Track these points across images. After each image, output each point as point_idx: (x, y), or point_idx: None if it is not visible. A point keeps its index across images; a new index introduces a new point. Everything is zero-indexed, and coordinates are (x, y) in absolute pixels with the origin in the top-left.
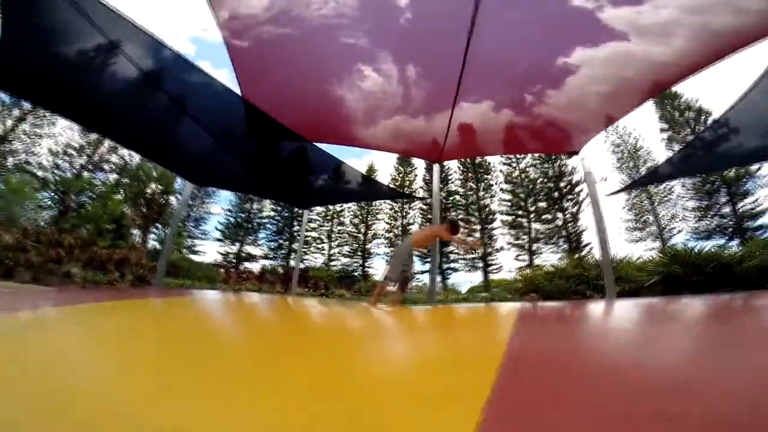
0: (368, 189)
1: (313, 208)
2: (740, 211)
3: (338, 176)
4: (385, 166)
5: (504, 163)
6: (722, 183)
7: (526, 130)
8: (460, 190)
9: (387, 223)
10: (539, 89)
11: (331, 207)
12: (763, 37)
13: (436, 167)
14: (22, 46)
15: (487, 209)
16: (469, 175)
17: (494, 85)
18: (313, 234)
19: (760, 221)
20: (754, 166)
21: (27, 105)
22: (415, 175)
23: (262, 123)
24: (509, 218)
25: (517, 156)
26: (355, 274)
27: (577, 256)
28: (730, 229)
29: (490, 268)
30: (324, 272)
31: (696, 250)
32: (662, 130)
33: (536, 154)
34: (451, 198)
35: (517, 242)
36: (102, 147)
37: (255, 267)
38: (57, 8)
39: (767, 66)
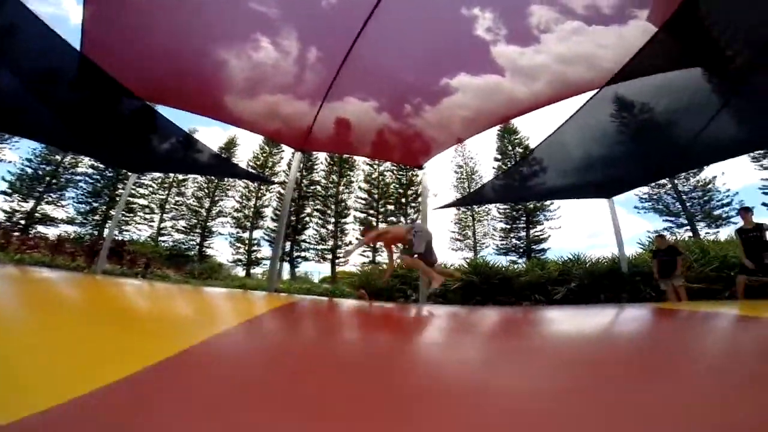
0: (219, 165)
1: (147, 174)
2: (531, 236)
3: (188, 146)
4: (249, 143)
5: (367, 164)
6: (524, 212)
7: (394, 138)
8: (323, 181)
9: (238, 201)
10: (418, 102)
11: (172, 174)
12: (592, 89)
13: (297, 154)
14: None
15: (343, 204)
16: (334, 168)
17: (382, 88)
18: (142, 201)
19: (542, 246)
20: (548, 202)
21: None
22: (281, 158)
23: (97, 74)
24: (361, 215)
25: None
26: (190, 253)
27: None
28: (522, 249)
29: (338, 261)
30: (150, 247)
31: (489, 264)
32: (495, 160)
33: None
34: (313, 187)
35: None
36: None
37: (54, 232)
38: None
39: (577, 109)
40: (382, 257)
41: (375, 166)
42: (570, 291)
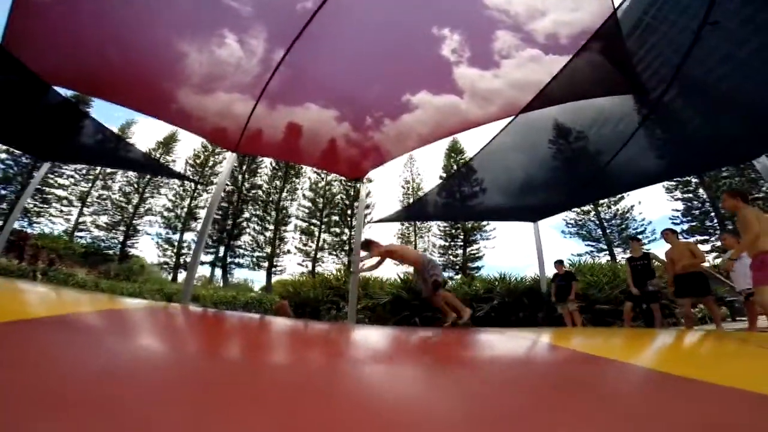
0: (150, 164)
1: (67, 164)
2: (468, 254)
3: (113, 142)
4: (191, 139)
5: (315, 171)
6: (462, 231)
7: (345, 149)
8: (266, 186)
9: (171, 199)
10: (380, 116)
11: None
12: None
13: (231, 155)
14: None
15: (285, 211)
16: (279, 174)
17: (346, 96)
18: (60, 192)
19: (477, 263)
20: (485, 222)
21: None
22: (224, 158)
23: (16, 65)
24: (303, 224)
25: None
26: (109, 252)
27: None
28: (458, 266)
29: (275, 269)
30: (63, 243)
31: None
32: (440, 178)
33: None
34: (254, 191)
35: (304, 248)
36: None
37: None
38: None
39: (503, 127)
40: (322, 267)
41: (322, 175)
42: (492, 308)
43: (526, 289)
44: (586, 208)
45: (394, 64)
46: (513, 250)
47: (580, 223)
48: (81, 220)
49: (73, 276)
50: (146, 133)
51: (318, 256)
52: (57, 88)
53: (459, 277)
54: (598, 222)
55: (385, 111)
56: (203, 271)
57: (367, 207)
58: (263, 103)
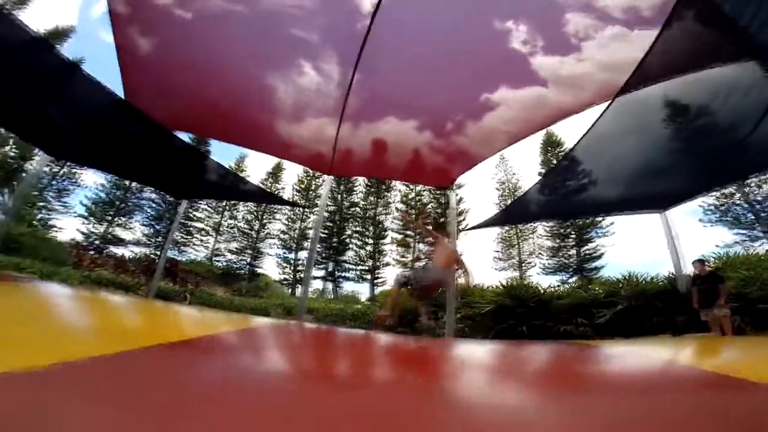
0: (263, 194)
1: (200, 200)
2: (582, 253)
3: (230, 177)
4: (294, 166)
5: (404, 184)
6: (573, 229)
7: (435, 158)
8: (362, 202)
9: (284, 224)
10: (461, 119)
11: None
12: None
13: (328, 178)
14: None
15: (381, 225)
16: (372, 190)
17: (421, 105)
18: (199, 225)
19: (595, 263)
20: (599, 218)
21: None
22: (324, 180)
23: (139, 117)
24: (399, 236)
25: None
26: (241, 272)
27: None
28: (572, 268)
29: (377, 281)
30: (205, 267)
31: (525, 285)
32: (539, 174)
33: None
34: (352, 209)
35: (402, 259)
36: None
37: (122, 252)
38: None
39: (604, 109)
40: None
41: (411, 187)
42: (616, 314)
43: (659, 290)
44: (728, 190)
45: (464, 65)
46: (639, 247)
47: (722, 208)
48: (216, 246)
49: (214, 295)
50: (257, 164)
51: (415, 267)
52: (178, 133)
53: (574, 280)
54: (747, 205)
55: (465, 113)
56: (317, 284)
57: (460, 214)
58: (347, 123)
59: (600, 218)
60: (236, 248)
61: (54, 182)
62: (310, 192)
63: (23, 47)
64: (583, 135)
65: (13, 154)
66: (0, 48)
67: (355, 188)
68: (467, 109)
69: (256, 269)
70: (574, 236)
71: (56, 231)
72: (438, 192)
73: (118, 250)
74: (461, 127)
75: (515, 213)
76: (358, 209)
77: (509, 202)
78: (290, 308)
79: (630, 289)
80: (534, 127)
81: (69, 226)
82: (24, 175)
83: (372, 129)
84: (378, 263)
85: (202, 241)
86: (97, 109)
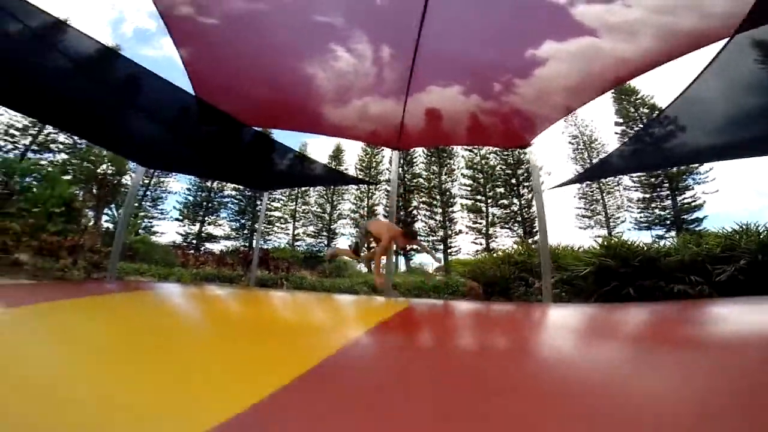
0: (330, 175)
1: (276, 190)
2: (679, 204)
3: (301, 162)
4: (353, 146)
5: (466, 149)
6: (665, 178)
7: (490, 120)
8: (424, 173)
9: (353, 203)
10: (508, 78)
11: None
12: (721, 39)
13: (395, 154)
14: None
15: (448, 193)
16: (433, 159)
17: (463, 70)
18: (277, 214)
19: (696, 214)
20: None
21: None
22: (383, 157)
23: (212, 112)
24: (468, 202)
25: None
26: (320, 254)
27: (530, 240)
28: (669, 221)
29: (450, 251)
30: (288, 253)
31: (627, 243)
32: (617, 124)
33: None
34: (415, 180)
35: (474, 226)
36: (48, 127)
37: (216, 247)
38: None
39: (710, 61)
40: (496, 243)
41: (475, 151)
42: (738, 270)
43: None
44: None
45: (496, 23)
46: (737, 194)
47: None
48: (296, 232)
49: (304, 278)
50: (316, 150)
51: (490, 232)
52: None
53: (673, 235)
54: None
55: (512, 72)
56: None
57: (527, 176)
58: (392, 98)
59: (695, 165)
60: (313, 232)
61: (148, 192)
62: (372, 170)
63: (95, 59)
64: (685, 90)
65: (110, 171)
66: (75, 62)
67: (414, 159)
68: (513, 67)
69: None
70: (667, 185)
71: (159, 235)
72: (505, 153)
73: (213, 246)
74: (510, 86)
75: (603, 167)
76: (421, 180)
77: (585, 156)
78: (374, 285)
79: (750, 241)
80: (608, 84)
81: (169, 230)
82: (124, 188)
83: (419, 100)
84: (450, 231)
85: (282, 228)
86: (174, 112)
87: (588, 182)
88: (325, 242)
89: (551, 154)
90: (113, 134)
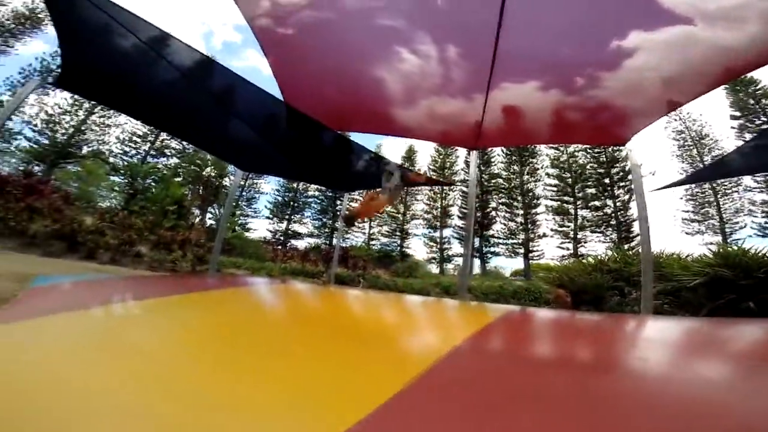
0: (406, 176)
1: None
2: None
3: (377, 164)
4: (425, 147)
5: (551, 147)
6: None
7: (576, 116)
8: (503, 173)
9: (425, 204)
10: (591, 72)
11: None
12: None
13: (473, 154)
14: (76, 54)
15: (530, 194)
16: (513, 158)
17: (539, 64)
18: None
19: None
20: None
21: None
22: (457, 157)
23: (298, 117)
24: (554, 204)
25: None
26: (393, 254)
27: (627, 247)
28: None
29: (532, 254)
30: (364, 251)
31: (750, 251)
32: (733, 118)
33: None
34: (494, 181)
35: (561, 229)
36: (163, 134)
37: (301, 244)
38: (99, 21)
39: None
40: (585, 248)
41: (561, 149)
42: None
43: None
44: None
45: (574, 14)
46: None
47: None
48: (371, 231)
49: (379, 277)
50: (391, 151)
51: (579, 236)
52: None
53: None
54: None
55: (595, 65)
56: (458, 261)
57: (629, 173)
58: (460, 98)
59: None
60: (387, 231)
61: (243, 193)
62: (445, 170)
63: (198, 69)
64: None
65: (213, 173)
66: (181, 72)
67: (492, 159)
68: (596, 61)
69: (406, 250)
70: None
71: (251, 232)
72: (597, 151)
73: (298, 243)
74: (596, 80)
75: (723, 166)
76: (500, 180)
77: (694, 153)
78: (447, 287)
79: None
80: (720, 78)
81: (260, 227)
82: (225, 189)
83: (494, 98)
84: (532, 234)
85: (358, 227)
86: (267, 117)
87: (699, 183)
88: (398, 242)
89: (653, 151)
90: (215, 139)
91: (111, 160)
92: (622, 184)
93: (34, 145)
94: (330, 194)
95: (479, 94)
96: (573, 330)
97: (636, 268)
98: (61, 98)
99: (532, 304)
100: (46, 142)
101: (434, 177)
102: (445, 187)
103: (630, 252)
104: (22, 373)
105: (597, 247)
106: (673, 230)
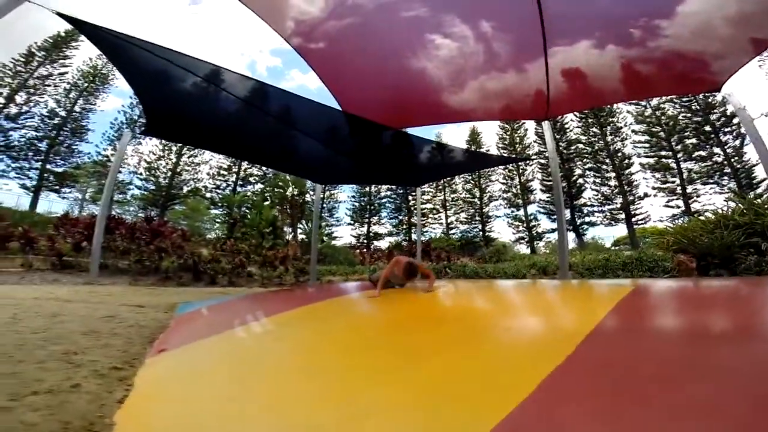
0: (474, 160)
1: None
2: None
3: (440, 152)
4: (489, 126)
5: (631, 103)
6: None
7: (648, 69)
8: (582, 137)
9: (502, 183)
10: (645, 22)
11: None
12: None
13: (546, 125)
14: (153, 102)
15: (619, 154)
16: (590, 120)
17: (585, 22)
18: (428, 206)
19: None
20: None
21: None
22: (525, 130)
23: (357, 122)
24: (650, 160)
25: None
26: (476, 240)
27: (752, 195)
28: None
29: (635, 219)
30: (445, 242)
31: None
32: None
33: None
34: (573, 148)
35: (664, 186)
36: (244, 163)
37: (382, 244)
38: (159, 67)
39: None
40: (700, 203)
41: (643, 104)
42: None
43: None
44: None
45: None
46: None
47: None
48: (449, 220)
49: (466, 265)
50: (453, 138)
51: (689, 191)
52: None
53: None
54: None
55: (647, 15)
56: (550, 237)
57: (734, 115)
58: (511, 71)
59: None
60: (465, 218)
61: (324, 204)
62: (516, 145)
63: (257, 95)
64: None
65: (296, 192)
66: (243, 100)
67: (566, 126)
68: (646, 11)
69: (489, 234)
70: None
71: (338, 239)
72: (685, 100)
73: (380, 243)
74: (654, 29)
75: None
76: (580, 145)
77: None
78: (543, 267)
79: None
80: None
81: (344, 234)
82: (308, 205)
83: (547, 64)
84: (630, 196)
85: (435, 219)
86: (331, 130)
87: None
88: (479, 227)
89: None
90: (289, 159)
91: (207, 195)
92: (727, 129)
93: (144, 192)
94: (401, 191)
95: (530, 64)
96: (709, 299)
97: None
98: (152, 145)
99: (647, 275)
100: (153, 187)
101: (505, 155)
102: (520, 163)
103: (759, 201)
104: (199, 389)
105: (715, 199)
106: None
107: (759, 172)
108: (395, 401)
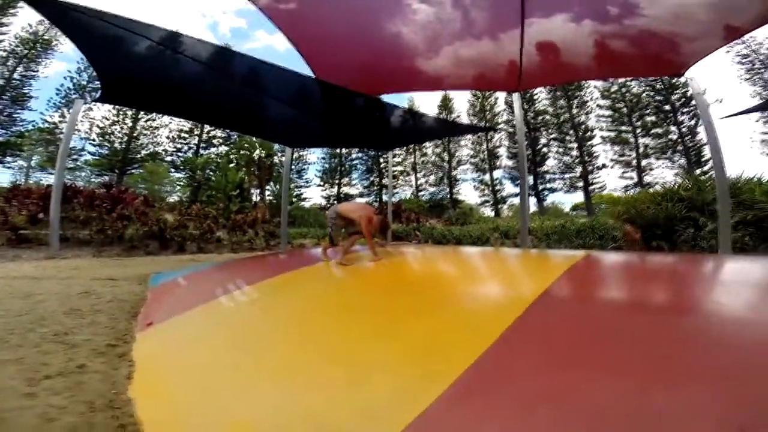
0: (445, 127)
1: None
2: None
3: (412, 118)
4: (461, 94)
5: (600, 79)
6: None
7: (622, 47)
8: (550, 109)
9: (470, 149)
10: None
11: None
12: None
13: (516, 96)
14: (107, 69)
15: (583, 126)
16: (558, 93)
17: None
18: (399, 168)
19: None
20: None
21: None
22: (496, 98)
23: (329, 88)
24: (611, 134)
25: None
26: (444, 202)
27: (699, 171)
28: None
29: (592, 187)
30: (414, 203)
31: None
32: None
33: None
34: (540, 118)
35: (621, 158)
36: (206, 126)
37: None
38: (114, 34)
39: None
40: (652, 176)
41: (611, 81)
42: None
43: None
44: None
45: None
46: None
47: None
48: (419, 183)
49: (434, 228)
50: (424, 104)
51: (642, 165)
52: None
53: None
54: None
55: None
56: (514, 201)
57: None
58: (488, 38)
59: None
60: (434, 181)
61: (293, 166)
62: (486, 113)
63: (218, 59)
64: None
65: (263, 154)
66: (203, 64)
67: (536, 97)
68: None
69: (456, 197)
70: None
71: (307, 201)
72: (651, 79)
73: None
74: (632, 7)
75: None
76: (547, 116)
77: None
78: (505, 231)
79: None
80: None
81: (314, 195)
82: (279, 167)
83: (525, 36)
84: (590, 167)
85: (405, 181)
86: (301, 94)
87: None
88: (448, 190)
89: (718, 79)
90: (256, 122)
91: (168, 158)
92: (685, 110)
93: (98, 158)
94: (373, 153)
95: (504, 34)
96: (647, 274)
97: (711, 195)
98: (105, 110)
99: (598, 243)
100: (107, 152)
101: (474, 122)
102: (489, 132)
103: (702, 177)
104: (202, 360)
105: (665, 174)
106: (750, 154)
107: (707, 152)
108: (394, 358)
